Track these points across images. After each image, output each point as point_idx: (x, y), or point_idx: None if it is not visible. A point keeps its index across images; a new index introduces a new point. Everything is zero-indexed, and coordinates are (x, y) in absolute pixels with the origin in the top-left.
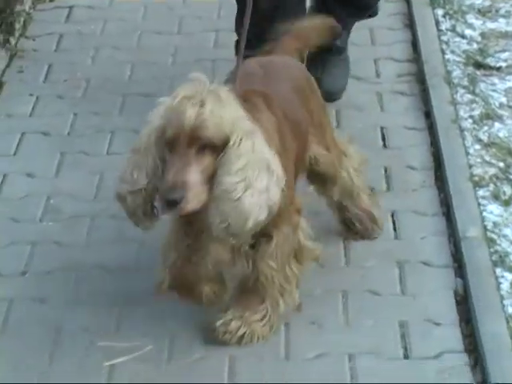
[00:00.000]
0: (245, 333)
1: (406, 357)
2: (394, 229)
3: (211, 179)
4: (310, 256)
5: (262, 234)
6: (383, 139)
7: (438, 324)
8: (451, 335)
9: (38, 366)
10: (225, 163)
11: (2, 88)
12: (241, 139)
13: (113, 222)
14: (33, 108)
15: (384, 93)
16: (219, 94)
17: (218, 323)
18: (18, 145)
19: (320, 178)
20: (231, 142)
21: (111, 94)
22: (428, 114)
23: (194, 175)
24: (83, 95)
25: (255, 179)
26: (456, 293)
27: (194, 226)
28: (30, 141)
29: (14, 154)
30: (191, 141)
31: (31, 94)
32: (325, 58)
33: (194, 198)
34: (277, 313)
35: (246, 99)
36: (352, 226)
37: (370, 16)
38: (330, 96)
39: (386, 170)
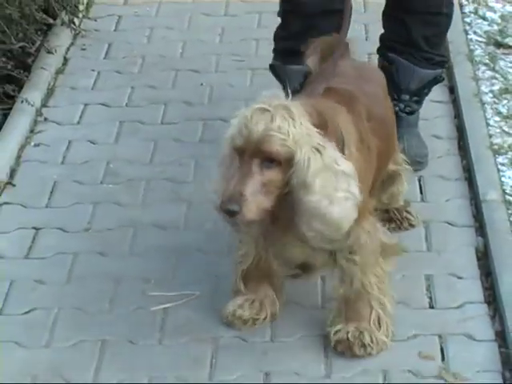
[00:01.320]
0: (371, 344)
1: (431, 307)
2: (421, 192)
3: (276, 191)
4: (393, 252)
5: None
6: None
7: (460, 277)
8: (472, 288)
9: (99, 313)
10: (300, 182)
11: (67, 64)
12: (308, 157)
13: (166, 183)
14: (94, 82)
15: None
16: (291, 110)
17: (348, 335)
18: (81, 115)
19: (390, 180)
20: (296, 159)
21: (164, 70)
22: (452, 89)
23: (253, 187)
24: (139, 70)
25: (336, 191)
26: (477, 250)
27: (274, 235)
28: (91, 111)
29: (78, 122)
30: (255, 153)
31: (93, 70)
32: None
33: (251, 209)
34: (388, 315)
35: (329, 97)
36: (396, 219)
37: (437, 81)
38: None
39: None
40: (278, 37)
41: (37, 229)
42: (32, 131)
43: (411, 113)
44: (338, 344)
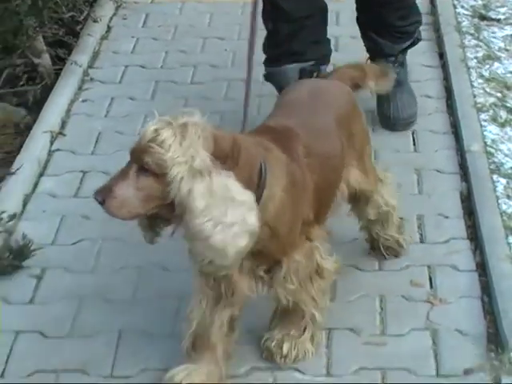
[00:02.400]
0: (297, 352)
1: (422, 241)
2: (414, 144)
3: (155, 201)
4: (330, 273)
5: (274, 262)
6: None
7: (447, 217)
8: (457, 226)
9: (138, 243)
10: (183, 203)
11: (110, 31)
12: (182, 177)
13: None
14: (133, 47)
15: None
16: (186, 130)
17: (272, 344)
18: (122, 75)
19: (355, 199)
20: (170, 176)
21: (194, 37)
22: (442, 55)
23: (123, 187)
24: (172, 37)
25: (223, 217)
26: (461, 193)
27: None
28: (131, 72)
29: (119, 82)
30: (136, 159)
31: (132, 36)
32: (389, 94)
33: (115, 206)
34: (317, 326)
35: (265, 134)
36: (378, 248)
37: (413, 44)
38: (399, 122)
39: None
40: (268, 45)
41: (84, 172)
42: (80, 89)
43: (401, 64)
44: (263, 351)
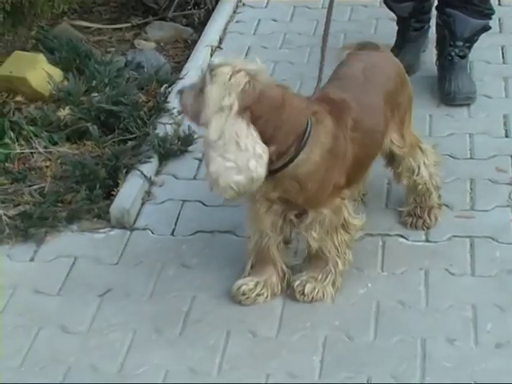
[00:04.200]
0: (318, 292)
1: (506, 136)
2: (503, 56)
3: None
4: (354, 228)
5: (302, 212)
6: None
7: None
8: None
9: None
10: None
11: None
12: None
13: None
14: None
15: None
16: (236, 75)
17: (296, 283)
18: (267, 1)
19: (389, 158)
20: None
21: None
22: None
23: (189, 97)
24: None
25: (226, 151)
26: None
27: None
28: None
29: (265, 7)
30: (202, 80)
31: None
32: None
33: (184, 106)
34: (338, 272)
35: (321, 103)
36: (412, 213)
37: (485, 29)
38: (459, 97)
39: (499, 20)
40: None
41: None
42: (234, 12)
43: (463, 57)
44: (287, 289)
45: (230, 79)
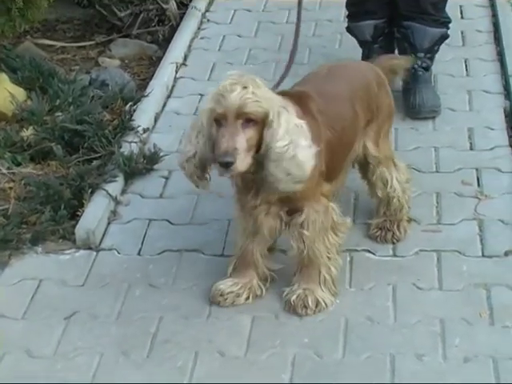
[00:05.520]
0: (318, 303)
1: (471, 149)
2: (466, 69)
3: (254, 148)
4: (343, 228)
5: (297, 208)
6: (461, 13)
7: (492, 129)
8: (501, 136)
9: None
10: (271, 133)
11: None
12: (278, 112)
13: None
14: None
15: None
16: (256, 81)
17: (293, 298)
18: (232, 17)
19: (363, 165)
20: (270, 117)
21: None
22: None
23: (242, 142)
24: None
25: (299, 139)
26: (505, 110)
27: (251, 198)
28: (239, 14)
29: (230, 22)
30: (237, 116)
31: None
32: (415, 89)
33: (242, 161)
34: (334, 277)
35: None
36: (381, 226)
37: (444, 38)
38: (424, 110)
39: (462, 33)
40: (348, 4)
41: (201, 95)
42: (199, 28)
43: (426, 68)
44: (285, 305)
45: (258, 87)
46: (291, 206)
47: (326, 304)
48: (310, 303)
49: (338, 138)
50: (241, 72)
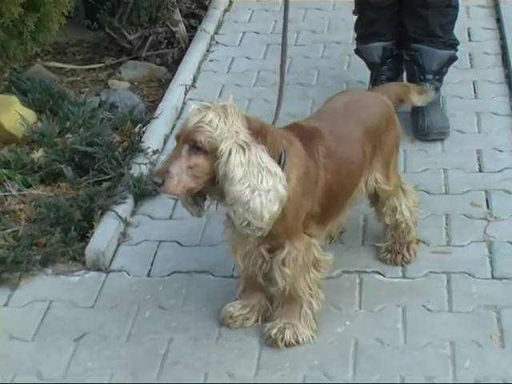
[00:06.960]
0: (297, 338)
1: (480, 171)
2: (475, 91)
3: (204, 176)
4: (325, 264)
5: (278, 244)
6: (469, 35)
7: (501, 151)
8: (509, 158)
9: None
10: (225, 173)
11: (231, 5)
12: (230, 150)
13: (298, 86)
14: (250, 17)
15: (470, 6)
16: (227, 110)
17: (273, 332)
18: (241, 39)
19: (374, 198)
20: (219, 151)
21: (297, 8)
22: (498, 20)
23: (178, 167)
24: (280, 9)
25: (260, 182)
26: None
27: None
28: (248, 37)
29: (239, 45)
30: (185, 141)
31: (249, 9)
32: (424, 111)
33: (175, 185)
34: (314, 313)
35: (291, 131)
36: (388, 251)
37: (452, 60)
38: (433, 131)
39: (470, 55)
40: (357, 27)
41: None
42: (208, 51)
43: (435, 90)
44: (266, 339)
45: (225, 117)
46: (272, 243)
47: (303, 340)
48: (289, 337)
49: (339, 182)
50: (228, 99)
